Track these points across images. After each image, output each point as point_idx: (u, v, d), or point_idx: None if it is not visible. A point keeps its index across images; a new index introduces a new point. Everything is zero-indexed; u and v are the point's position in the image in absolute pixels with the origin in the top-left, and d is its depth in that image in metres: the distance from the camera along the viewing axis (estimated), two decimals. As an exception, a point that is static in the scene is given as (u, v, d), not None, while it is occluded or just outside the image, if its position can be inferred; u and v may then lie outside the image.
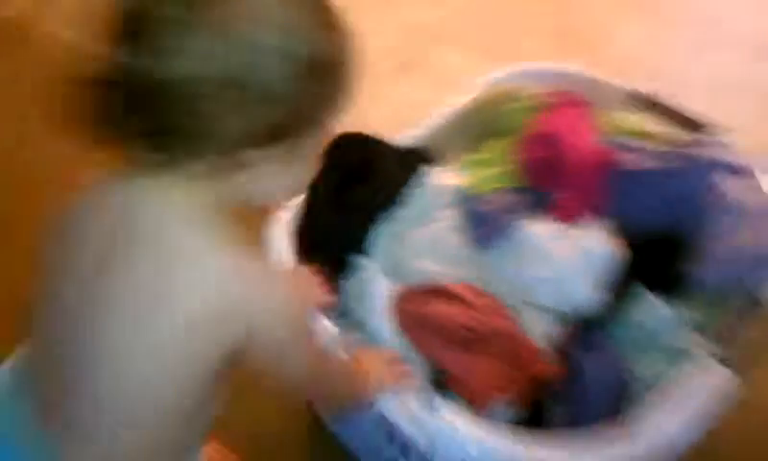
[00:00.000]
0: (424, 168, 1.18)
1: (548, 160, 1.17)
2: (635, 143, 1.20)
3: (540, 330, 1.07)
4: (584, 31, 2.13)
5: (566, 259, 1.08)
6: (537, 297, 1.09)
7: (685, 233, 1.13)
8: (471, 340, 1.02)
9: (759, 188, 1.18)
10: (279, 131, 0.65)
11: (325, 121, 0.70)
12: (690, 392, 0.96)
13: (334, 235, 1.07)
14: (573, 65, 1.40)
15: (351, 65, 0.69)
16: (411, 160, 1.18)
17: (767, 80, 2.03)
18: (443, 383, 1.01)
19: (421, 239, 1.13)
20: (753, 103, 1.91)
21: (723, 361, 1.00)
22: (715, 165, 1.16)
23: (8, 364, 0.79)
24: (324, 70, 0.66)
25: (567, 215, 1.12)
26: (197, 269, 0.67)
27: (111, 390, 0.70)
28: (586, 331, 1.08)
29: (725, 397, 0.98)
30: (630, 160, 1.16)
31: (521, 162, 1.18)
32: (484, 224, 1.13)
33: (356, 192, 1.07)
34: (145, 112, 0.63)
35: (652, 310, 1.09)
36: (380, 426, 1.00)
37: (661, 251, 1.13)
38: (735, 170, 1.18)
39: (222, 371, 0.71)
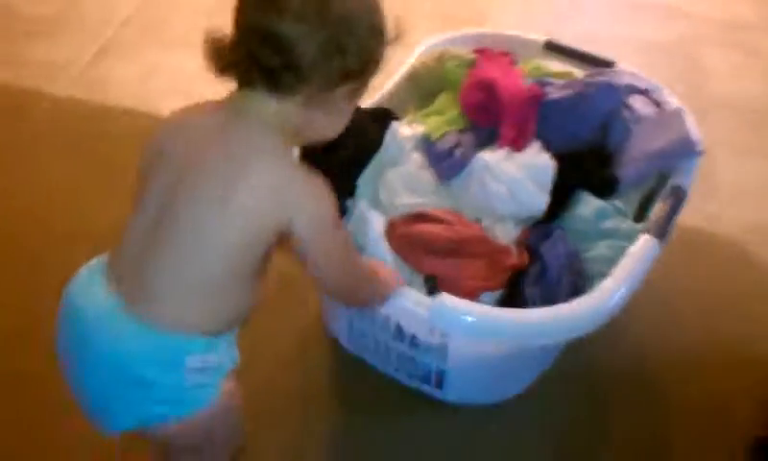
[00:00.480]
0: (392, 123, 1.43)
1: (487, 102, 1.44)
2: (555, 80, 1.48)
3: (504, 234, 1.33)
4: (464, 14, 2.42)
5: (516, 175, 1.34)
6: (497, 209, 1.34)
7: (606, 144, 1.42)
8: (455, 249, 1.27)
9: (659, 102, 1.47)
10: (353, 74, 0.93)
11: (370, 75, 0.97)
12: (631, 260, 1.22)
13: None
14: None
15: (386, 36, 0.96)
16: (380, 118, 1.43)
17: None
18: (436, 289, 1.24)
19: (396, 179, 1.37)
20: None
21: (649, 233, 1.27)
22: (624, 87, 1.45)
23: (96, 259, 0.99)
24: (379, 35, 0.94)
25: (509, 143, 1.39)
26: (267, 164, 0.93)
27: (191, 258, 0.92)
28: (540, 228, 1.34)
29: (654, 259, 1.25)
30: (552, 92, 1.44)
31: (466, 107, 1.45)
32: (443, 160, 1.39)
33: (341, 150, 1.29)
34: (276, 55, 0.88)
35: (590, 205, 1.36)
36: (387, 327, 1.25)
37: (590, 160, 1.41)
38: (640, 90, 1.47)
39: (269, 250, 0.96)
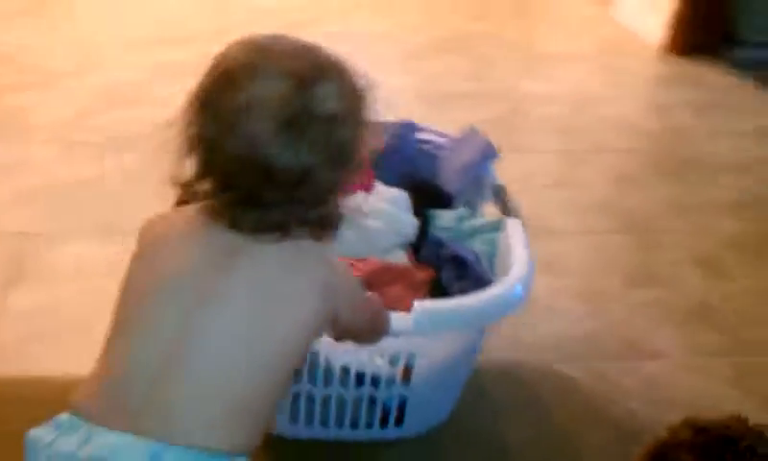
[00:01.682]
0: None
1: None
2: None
3: (399, 258, 1.43)
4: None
5: (386, 209, 1.46)
6: (380, 243, 1.44)
7: (432, 175, 1.63)
8: (368, 283, 1.33)
9: (439, 133, 1.71)
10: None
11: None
12: (516, 240, 1.40)
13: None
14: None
15: None
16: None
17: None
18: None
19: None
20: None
21: (510, 216, 1.48)
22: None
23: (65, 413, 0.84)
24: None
25: (364, 188, 1.50)
26: (311, 270, 0.91)
27: (234, 381, 0.84)
28: (426, 246, 1.47)
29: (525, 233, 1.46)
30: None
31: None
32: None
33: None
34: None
35: (445, 216, 1.52)
36: (345, 380, 1.28)
37: (422, 187, 1.58)
38: (439, 134, 1.71)
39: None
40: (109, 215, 1.96)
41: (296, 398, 1.32)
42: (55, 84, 2.68)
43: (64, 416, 0.83)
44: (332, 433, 1.38)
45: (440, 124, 1.73)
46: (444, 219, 1.52)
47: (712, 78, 3.38)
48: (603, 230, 2.14)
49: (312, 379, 1.28)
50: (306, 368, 1.25)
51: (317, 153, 0.84)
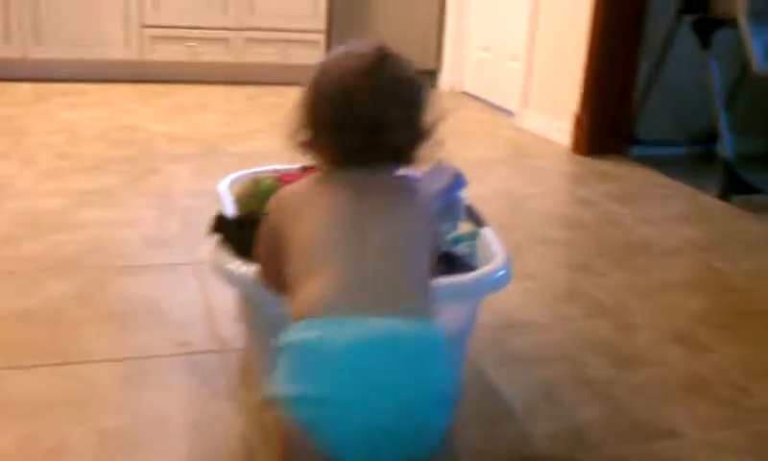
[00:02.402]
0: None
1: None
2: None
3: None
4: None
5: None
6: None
7: None
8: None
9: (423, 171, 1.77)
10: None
11: None
12: (493, 239, 1.65)
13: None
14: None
15: None
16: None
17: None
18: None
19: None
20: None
21: (483, 226, 1.71)
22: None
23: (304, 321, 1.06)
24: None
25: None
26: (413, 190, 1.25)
27: (397, 258, 1.12)
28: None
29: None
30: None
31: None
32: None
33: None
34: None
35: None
36: None
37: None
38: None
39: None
40: (57, 345, 1.75)
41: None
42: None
43: (308, 322, 1.05)
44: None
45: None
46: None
47: (622, 172, 3.50)
48: (572, 317, 2.09)
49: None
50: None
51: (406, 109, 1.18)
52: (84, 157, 3.17)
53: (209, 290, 2.05)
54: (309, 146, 1.21)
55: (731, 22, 3.38)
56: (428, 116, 1.20)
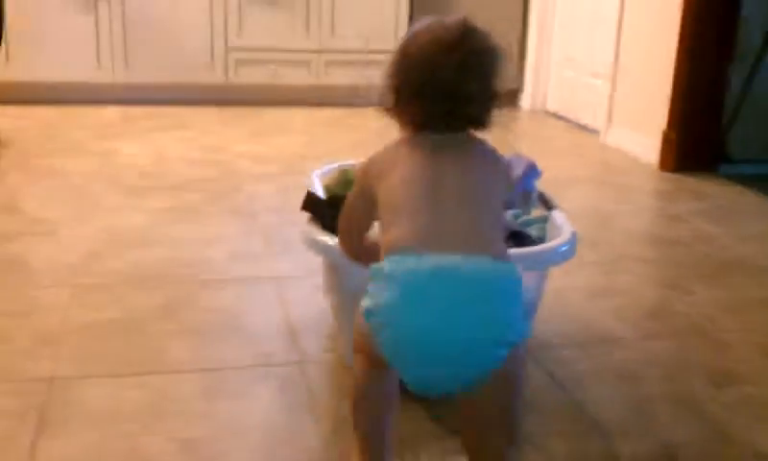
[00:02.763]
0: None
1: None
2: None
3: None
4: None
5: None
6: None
7: None
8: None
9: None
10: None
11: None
12: (561, 218, 1.78)
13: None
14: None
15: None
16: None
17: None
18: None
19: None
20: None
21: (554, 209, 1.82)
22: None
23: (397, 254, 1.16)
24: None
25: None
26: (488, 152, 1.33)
27: (471, 203, 1.23)
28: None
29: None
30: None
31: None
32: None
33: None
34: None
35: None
36: None
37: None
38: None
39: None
40: (137, 355, 1.76)
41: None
42: (54, 232, 2.51)
43: (400, 256, 1.16)
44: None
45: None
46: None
47: (712, 190, 3.37)
48: (663, 334, 2.01)
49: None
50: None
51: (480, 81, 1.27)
52: (168, 177, 3.22)
53: (289, 304, 2.05)
54: (394, 110, 1.31)
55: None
56: (500, 81, 1.29)
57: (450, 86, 1.25)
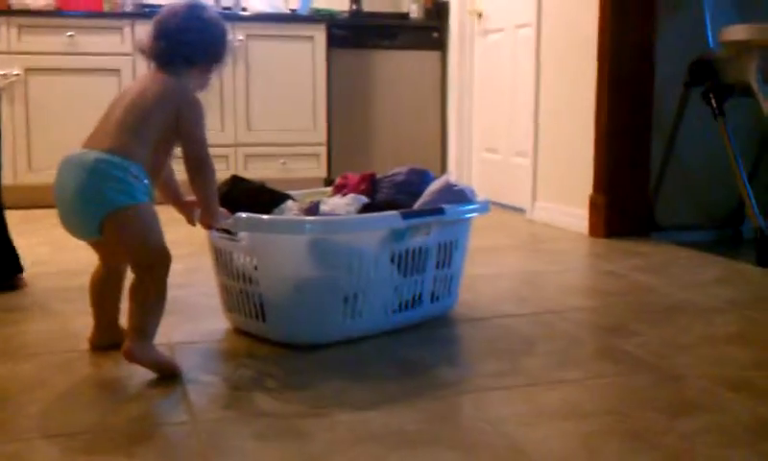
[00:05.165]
0: (288, 201, 2.25)
1: (341, 185, 2.39)
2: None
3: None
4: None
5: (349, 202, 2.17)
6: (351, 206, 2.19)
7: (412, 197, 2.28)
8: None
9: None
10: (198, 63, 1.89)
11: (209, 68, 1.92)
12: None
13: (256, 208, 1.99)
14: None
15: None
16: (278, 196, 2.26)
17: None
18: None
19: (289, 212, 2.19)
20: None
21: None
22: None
23: None
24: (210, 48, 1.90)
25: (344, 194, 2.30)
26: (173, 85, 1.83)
27: (128, 116, 1.76)
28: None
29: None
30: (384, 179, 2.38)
31: (334, 190, 2.43)
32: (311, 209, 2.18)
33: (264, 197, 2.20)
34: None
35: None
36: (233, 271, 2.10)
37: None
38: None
39: (167, 137, 1.79)
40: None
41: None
42: None
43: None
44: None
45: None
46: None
47: (647, 249, 3.28)
48: (613, 372, 1.83)
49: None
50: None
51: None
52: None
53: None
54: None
55: (741, 89, 3.23)
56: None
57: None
